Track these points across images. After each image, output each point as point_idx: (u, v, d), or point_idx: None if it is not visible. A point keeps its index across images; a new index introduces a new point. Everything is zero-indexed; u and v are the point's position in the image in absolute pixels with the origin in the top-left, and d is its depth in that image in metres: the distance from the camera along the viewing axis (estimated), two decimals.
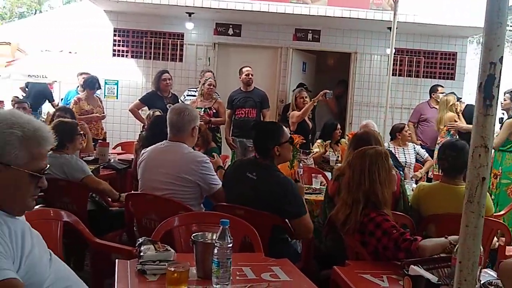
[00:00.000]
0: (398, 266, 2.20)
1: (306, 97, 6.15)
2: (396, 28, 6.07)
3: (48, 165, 1.72)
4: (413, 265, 1.92)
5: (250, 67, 6.71)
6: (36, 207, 2.64)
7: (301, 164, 4.37)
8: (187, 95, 7.18)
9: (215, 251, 1.90)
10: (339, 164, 5.37)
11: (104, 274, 3.15)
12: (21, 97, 8.49)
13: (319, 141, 5.96)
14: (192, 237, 2.09)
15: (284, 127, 3.39)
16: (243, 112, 6.61)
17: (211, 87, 6.30)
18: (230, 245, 1.91)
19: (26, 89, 9.25)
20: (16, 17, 27.90)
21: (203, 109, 6.18)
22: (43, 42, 9.45)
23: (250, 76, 6.61)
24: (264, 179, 3.08)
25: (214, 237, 2.00)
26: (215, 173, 3.36)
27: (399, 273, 2.12)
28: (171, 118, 3.37)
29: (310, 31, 8.43)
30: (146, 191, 3.35)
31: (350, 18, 7.54)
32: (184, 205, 3.13)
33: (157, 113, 5.60)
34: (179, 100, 6.71)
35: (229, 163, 5.26)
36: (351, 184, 2.65)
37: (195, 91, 6.81)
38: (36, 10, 29.10)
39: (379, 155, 2.67)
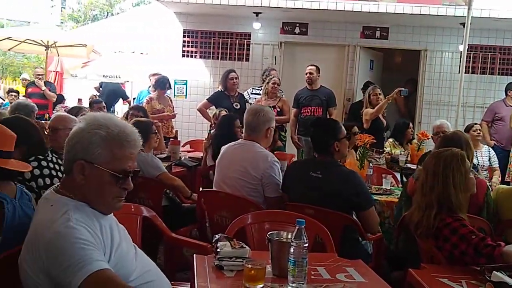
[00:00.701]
0: (477, 271, 2.13)
1: (380, 94, 6.01)
2: (470, 23, 5.84)
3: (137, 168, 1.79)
4: (496, 271, 1.86)
5: (314, 65, 6.67)
6: None
7: (371, 164, 4.31)
8: (251, 93, 7.27)
9: (291, 250, 1.92)
10: (409, 165, 5.25)
11: (176, 267, 3.28)
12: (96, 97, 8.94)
13: (390, 140, 5.84)
14: (267, 236, 2.13)
15: (340, 123, 3.39)
16: (309, 110, 6.59)
17: (275, 85, 6.35)
18: (306, 244, 1.93)
19: (100, 88, 9.71)
20: (89, 19, 29.33)
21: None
22: (116, 43, 9.88)
23: (309, 75, 6.57)
24: (329, 175, 3.09)
25: (289, 236, 2.03)
26: (280, 178, 3.36)
27: (478, 278, 2.06)
28: (247, 118, 3.46)
29: (378, 29, 8.27)
30: (218, 187, 3.46)
31: (420, 14, 7.33)
32: (256, 203, 3.20)
33: (223, 112, 5.72)
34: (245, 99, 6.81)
35: None
36: (425, 187, 2.58)
37: (259, 90, 6.88)
38: (108, 12, 30.45)
39: (455, 157, 2.57)
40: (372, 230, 3.10)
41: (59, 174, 2.76)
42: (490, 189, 3.39)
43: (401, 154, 5.59)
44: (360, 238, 3.12)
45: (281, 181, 3.35)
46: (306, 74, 6.59)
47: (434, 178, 2.54)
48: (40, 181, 2.59)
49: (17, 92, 9.66)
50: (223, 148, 3.60)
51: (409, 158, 5.49)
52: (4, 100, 8.85)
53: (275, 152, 4.32)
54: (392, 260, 3.18)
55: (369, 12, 7.37)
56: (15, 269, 1.71)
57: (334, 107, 6.74)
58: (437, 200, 2.50)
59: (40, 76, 8.50)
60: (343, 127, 3.30)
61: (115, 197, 1.77)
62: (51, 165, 2.77)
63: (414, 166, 4.82)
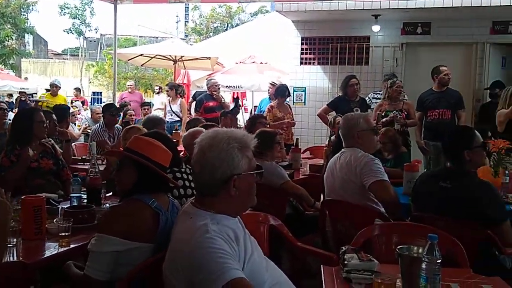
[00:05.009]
0: None
1: None
2: None
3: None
4: None
5: (446, 66, 6.36)
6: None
7: (507, 172, 3.98)
8: (373, 98, 7.12)
9: (423, 266, 1.86)
10: None
11: (300, 275, 3.32)
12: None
13: None
14: (397, 250, 2.08)
15: (476, 131, 3.17)
16: (436, 113, 6.28)
17: (400, 88, 6.16)
18: (439, 260, 1.86)
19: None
20: (211, 32, 30.86)
21: (393, 112, 6.07)
22: (238, 54, 10.30)
23: (448, 75, 6.26)
24: (459, 185, 2.91)
25: (420, 251, 1.97)
26: (381, 171, 3.29)
27: None
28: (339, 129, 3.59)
29: (510, 23, 7.62)
30: (330, 196, 3.52)
31: None
32: (381, 213, 3.13)
33: (338, 118, 5.67)
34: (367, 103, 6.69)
35: (422, 168, 5.05)
36: None
37: (380, 94, 6.71)
38: (227, 24, 31.80)
39: None
40: (507, 246, 2.87)
41: (192, 184, 2.95)
42: None
43: None
44: (497, 253, 2.91)
45: (383, 171, 3.31)
46: (445, 74, 6.27)
47: None
48: (175, 192, 2.79)
49: (149, 104, 10.44)
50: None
51: None
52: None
53: (405, 165, 4.16)
54: None
55: (499, 6, 6.82)
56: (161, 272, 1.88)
57: (463, 109, 6.37)
58: None
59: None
60: (478, 136, 3.08)
61: (255, 193, 1.96)
62: (185, 176, 2.97)
63: None
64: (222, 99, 7.97)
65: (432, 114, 6.29)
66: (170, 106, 8.92)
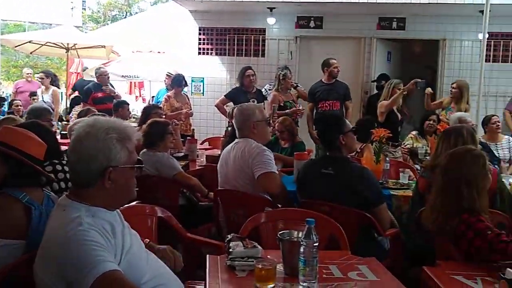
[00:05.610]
0: (494, 268, 2.10)
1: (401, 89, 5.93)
2: (490, 11, 5.71)
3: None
4: (510, 268, 1.83)
5: (335, 59, 6.64)
6: (133, 203, 2.83)
7: (387, 159, 4.27)
8: (269, 90, 7.26)
9: (301, 250, 1.92)
10: (429, 158, 5.17)
11: (195, 265, 3.31)
12: None
13: (413, 133, 5.72)
14: (278, 235, 2.13)
15: (344, 117, 3.40)
16: (327, 104, 6.54)
17: (290, 80, 6.42)
18: (316, 244, 1.93)
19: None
20: (109, 20, 29.60)
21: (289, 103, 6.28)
22: (134, 43, 9.99)
23: (338, 68, 6.54)
24: (340, 172, 3.10)
25: (300, 235, 2.03)
26: (270, 163, 3.31)
27: (494, 275, 2.03)
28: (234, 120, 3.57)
29: (394, 19, 8.14)
30: (224, 186, 3.52)
31: (437, 3, 7.21)
32: (270, 201, 3.20)
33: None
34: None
35: (313, 157, 5.26)
36: (445, 192, 2.49)
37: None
38: (126, 12, 30.68)
39: (477, 161, 2.49)
40: (384, 228, 3.08)
41: None
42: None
43: (419, 146, 5.50)
44: (376, 235, 3.11)
45: (273, 163, 3.34)
46: (335, 67, 6.53)
47: (458, 184, 2.43)
48: (55, 185, 2.63)
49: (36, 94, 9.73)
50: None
51: (429, 151, 5.41)
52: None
53: (295, 153, 4.30)
54: (410, 256, 3.15)
55: (385, 3, 7.26)
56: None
57: (350, 100, 6.72)
58: (458, 205, 2.41)
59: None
60: (347, 121, 3.33)
61: (135, 187, 1.87)
62: (66, 168, 2.81)
63: None
64: (114, 92, 7.55)
65: (323, 106, 6.55)
66: (42, 96, 8.35)
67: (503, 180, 3.50)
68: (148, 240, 2.22)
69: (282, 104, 6.28)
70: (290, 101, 6.33)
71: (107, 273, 1.56)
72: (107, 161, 1.75)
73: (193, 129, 6.36)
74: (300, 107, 6.33)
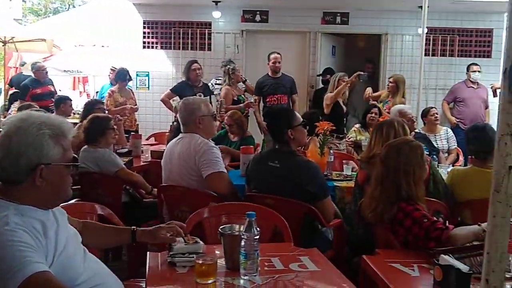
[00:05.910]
0: (430, 255, 2.16)
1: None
2: (428, 6, 5.89)
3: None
4: (444, 255, 1.89)
5: (278, 53, 6.67)
6: (72, 201, 2.73)
7: (331, 151, 4.33)
8: (215, 84, 7.22)
9: (242, 243, 1.92)
10: None
11: (139, 263, 3.24)
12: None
13: (356, 126, 5.84)
14: (219, 229, 2.12)
15: (295, 111, 3.39)
16: (275, 98, 6.58)
17: (240, 74, 6.45)
18: (257, 237, 1.93)
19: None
20: (50, 12, 28.49)
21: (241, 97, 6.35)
22: (76, 37, 9.64)
23: (277, 64, 6.57)
24: (286, 165, 3.11)
25: (242, 229, 2.02)
26: (218, 162, 3.25)
27: (430, 262, 2.09)
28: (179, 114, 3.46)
29: (338, 14, 8.27)
30: (168, 182, 3.42)
31: None
32: (216, 197, 3.17)
33: None
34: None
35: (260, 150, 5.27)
36: (384, 181, 2.54)
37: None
38: (69, 5, 29.62)
39: (414, 152, 2.56)
40: (328, 220, 3.12)
41: None
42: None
43: (362, 139, 5.63)
44: (319, 226, 3.15)
45: (221, 161, 3.29)
46: (273, 62, 6.56)
47: (396, 174, 2.50)
48: None
49: None
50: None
51: None
52: None
53: (241, 147, 4.29)
54: (354, 246, 3.22)
55: None
56: None
57: (296, 94, 6.81)
58: (397, 194, 2.48)
59: None
60: (297, 115, 3.31)
61: (69, 185, 1.81)
62: None
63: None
64: (52, 88, 7.30)
65: (271, 100, 6.59)
66: None
67: (437, 168, 3.65)
68: (135, 227, 2.18)
69: (235, 98, 6.28)
70: (241, 95, 6.36)
71: (34, 274, 1.49)
72: (37, 158, 1.67)
73: (138, 124, 6.22)
74: (252, 100, 6.35)
